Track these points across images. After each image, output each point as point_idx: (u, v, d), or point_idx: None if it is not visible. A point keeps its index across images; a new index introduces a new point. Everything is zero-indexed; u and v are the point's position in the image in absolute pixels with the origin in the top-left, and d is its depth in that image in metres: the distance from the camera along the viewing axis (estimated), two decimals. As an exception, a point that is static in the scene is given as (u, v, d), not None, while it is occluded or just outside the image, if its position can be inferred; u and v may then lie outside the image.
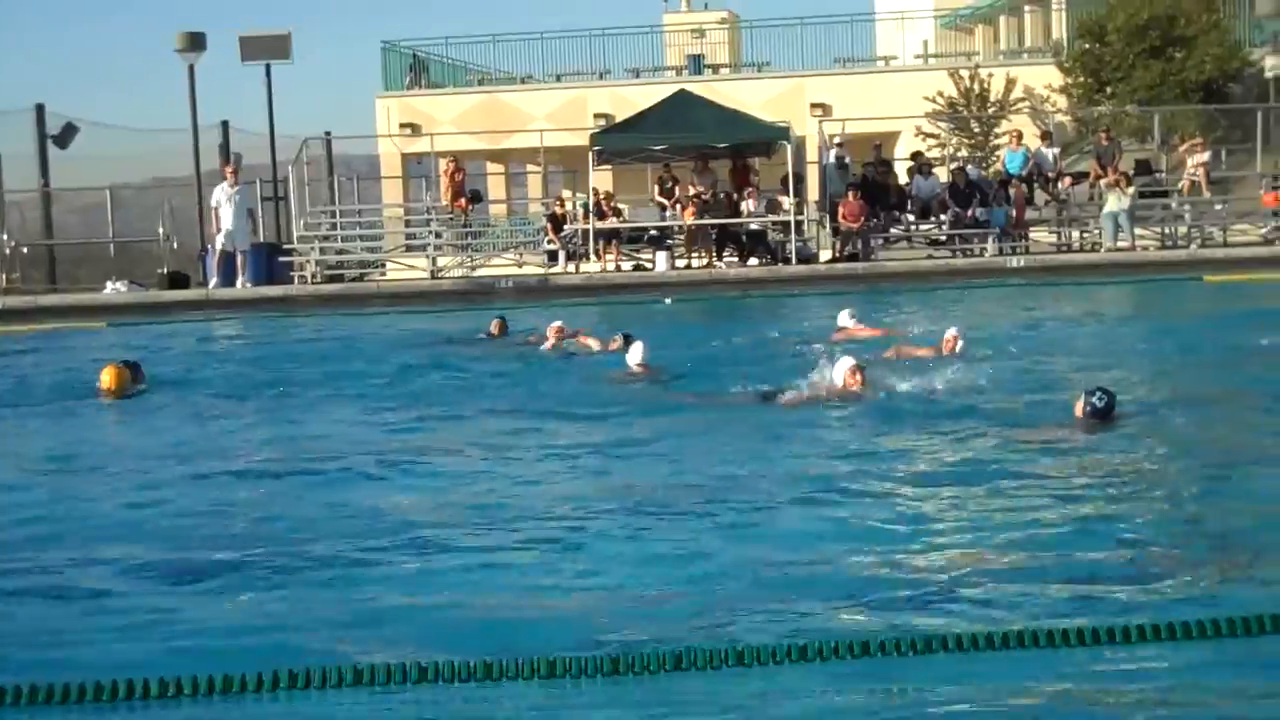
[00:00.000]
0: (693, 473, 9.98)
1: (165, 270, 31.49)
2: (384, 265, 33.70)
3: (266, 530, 8.65)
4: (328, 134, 38.74)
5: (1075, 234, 31.84)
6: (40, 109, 35.44)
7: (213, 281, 29.82)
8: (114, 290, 30.20)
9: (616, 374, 15.35)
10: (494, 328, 19.92)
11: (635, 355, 15.60)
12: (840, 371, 12.58)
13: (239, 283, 29.57)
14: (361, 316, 25.90)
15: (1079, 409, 10.84)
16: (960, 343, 15.31)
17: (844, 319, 18.64)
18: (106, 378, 15.01)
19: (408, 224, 34.86)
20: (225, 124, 37.53)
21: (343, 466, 10.75)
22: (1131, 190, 29.72)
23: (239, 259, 29.70)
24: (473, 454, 11.28)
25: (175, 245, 32.78)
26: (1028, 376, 14.20)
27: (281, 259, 31.07)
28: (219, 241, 29.80)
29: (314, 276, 30.97)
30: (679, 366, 15.82)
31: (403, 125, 41.16)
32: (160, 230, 32.71)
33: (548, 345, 18.39)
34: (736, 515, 8.53)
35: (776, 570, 7.31)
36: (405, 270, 32.56)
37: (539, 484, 9.96)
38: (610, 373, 15.46)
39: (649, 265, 30.65)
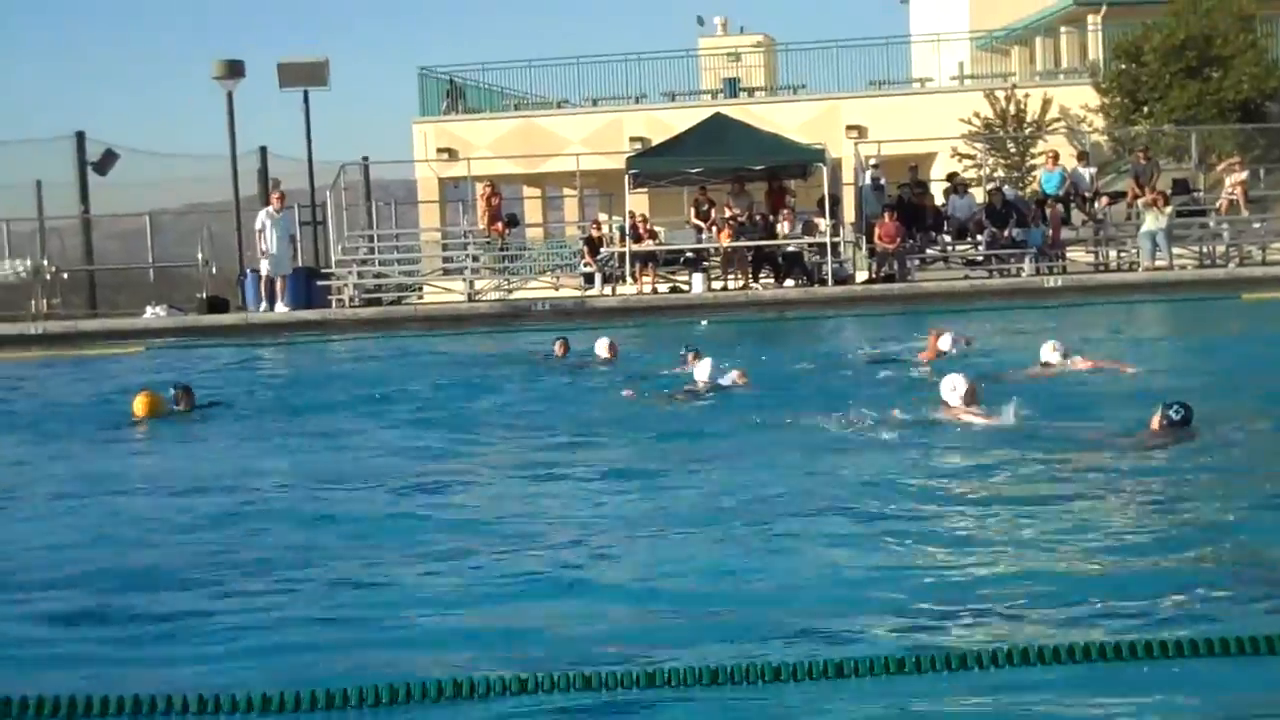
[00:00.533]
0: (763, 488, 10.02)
1: (204, 295, 31.66)
2: (421, 289, 33.81)
3: (305, 546, 8.69)
4: (365, 159, 38.90)
5: (1113, 253, 31.74)
6: (80, 136, 35.71)
7: (261, 305, 29.95)
8: (153, 315, 30.39)
9: (679, 393, 15.35)
10: (558, 348, 20.11)
11: (702, 372, 15.55)
12: (954, 392, 12.24)
13: (277, 307, 29.71)
14: (421, 338, 26.02)
15: (1156, 422, 10.83)
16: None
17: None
18: (139, 405, 15.10)
19: (444, 248, 34.98)
20: (263, 150, 37.70)
21: (403, 485, 10.82)
22: (1169, 209, 29.65)
23: (279, 283, 29.84)
24: (522, 472, 11.33)
25: (214, 270, 32.92)
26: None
27: (320, 283, 31.20)
28: (264, 266, 29.95)
29: (352, 300, 31.10)
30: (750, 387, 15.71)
31: (439, 150, 41.29)
32: (199, 255, 32.89)
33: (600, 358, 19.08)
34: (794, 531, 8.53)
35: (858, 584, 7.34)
36: (442, 294, 32.69)
37: (600, 503, 9.99)
38: (673, 392, 15.44)
39: (685, 287, 30.66)
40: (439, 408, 15.98)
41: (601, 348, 19.45)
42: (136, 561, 8.48)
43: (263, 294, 30.02)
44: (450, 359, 22.04)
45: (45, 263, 33.52)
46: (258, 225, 30.16)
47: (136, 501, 10.77)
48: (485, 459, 12.33)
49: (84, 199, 35.55)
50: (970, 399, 12.04)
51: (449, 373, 19.61)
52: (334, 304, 30.81)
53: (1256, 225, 31.67)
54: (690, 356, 17.08)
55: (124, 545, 9.12)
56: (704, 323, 26.41)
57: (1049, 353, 15.73)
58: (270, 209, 30.30)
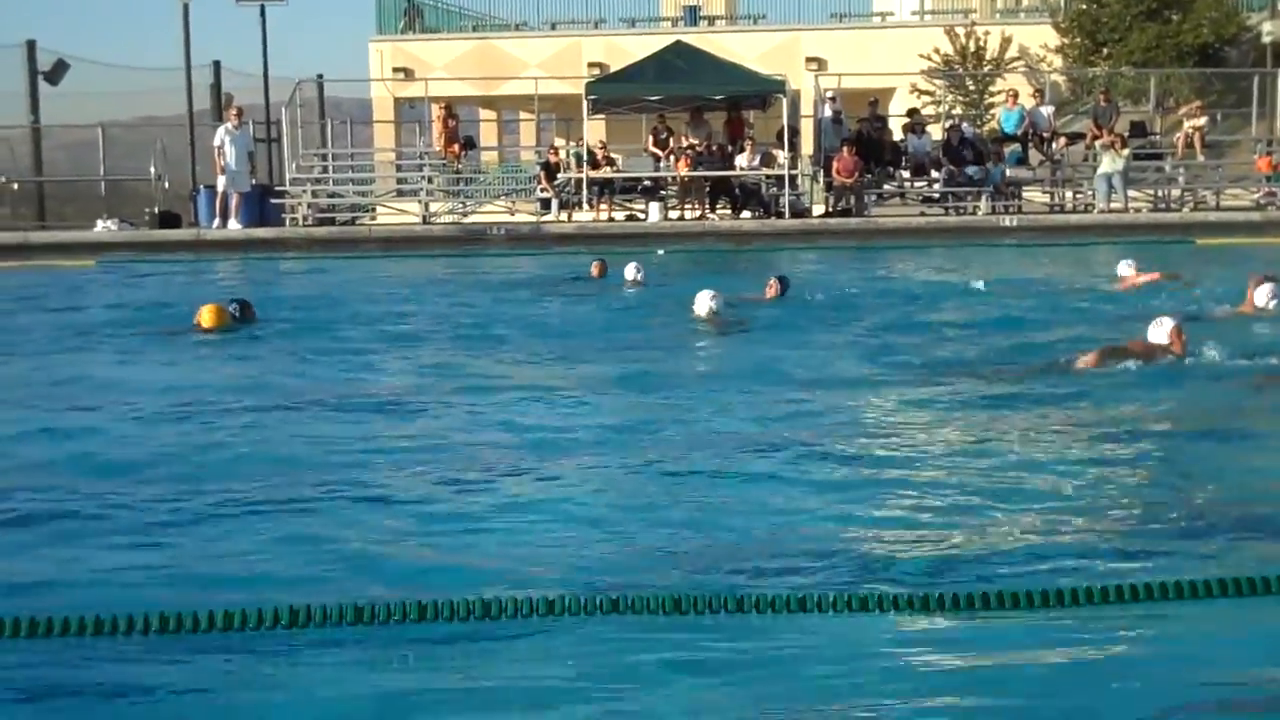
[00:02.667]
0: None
1: (156, 210, 31.34)
2: (374, 210, 33.60)
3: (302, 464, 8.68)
4: (320, 77, 38.59)
5: (1068, 194, 31.83)
6: (31, 45, 35.20)
7: (215, 222, 29.69)
8: (105, 228, 30.08)
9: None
10: (594, 269, 20.55)
11: (702, 305, 15.37)
12: (1162, 331, 11.79)
13: (231, 224, 29.48)
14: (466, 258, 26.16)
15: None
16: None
17: (1123, 269, 18.57)
18: (206, 316, 15.14)
19: (399, 169, 34.76)
20: (217, 64, 37.34)
21: (420, 403, 10.90)
22: (1126, 152, 29.74)
23: (234, 200, 29.58)
24: (522, 393, 11.33)
25: (166, 185, 32.59)
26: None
27: (274, 201, 30.96)
28: (221, 183, 29.69)
29: (305, 219, 30.87)
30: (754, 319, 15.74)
31: (396, 70, 40.95)
32: (152, 169, 32.55)
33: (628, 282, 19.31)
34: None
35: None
36: (396, 215, 32.50)
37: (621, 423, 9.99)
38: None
39: (642, 215, 30.58)
40: (464, 328, 16.01)
41: (629, 271, 19.71)
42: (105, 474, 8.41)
43: (217, 210, 29.72)
44: (475, 280, 22.06)
45: (-6, 172, 33.15)
46: (216, 141, 29.87)
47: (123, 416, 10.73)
48: (497, 376, 12.40)
49: (34, 109, 35.09)
50: (1176, 337, 11.86)
51: (469, 294, 19.79)
52: (288, 222, 30.57)
53: (1212, 170, 31.80)
54: (773, 283, 17.12)
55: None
56: (660, 252, 26.33)
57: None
58: (229, 125, 30.03)
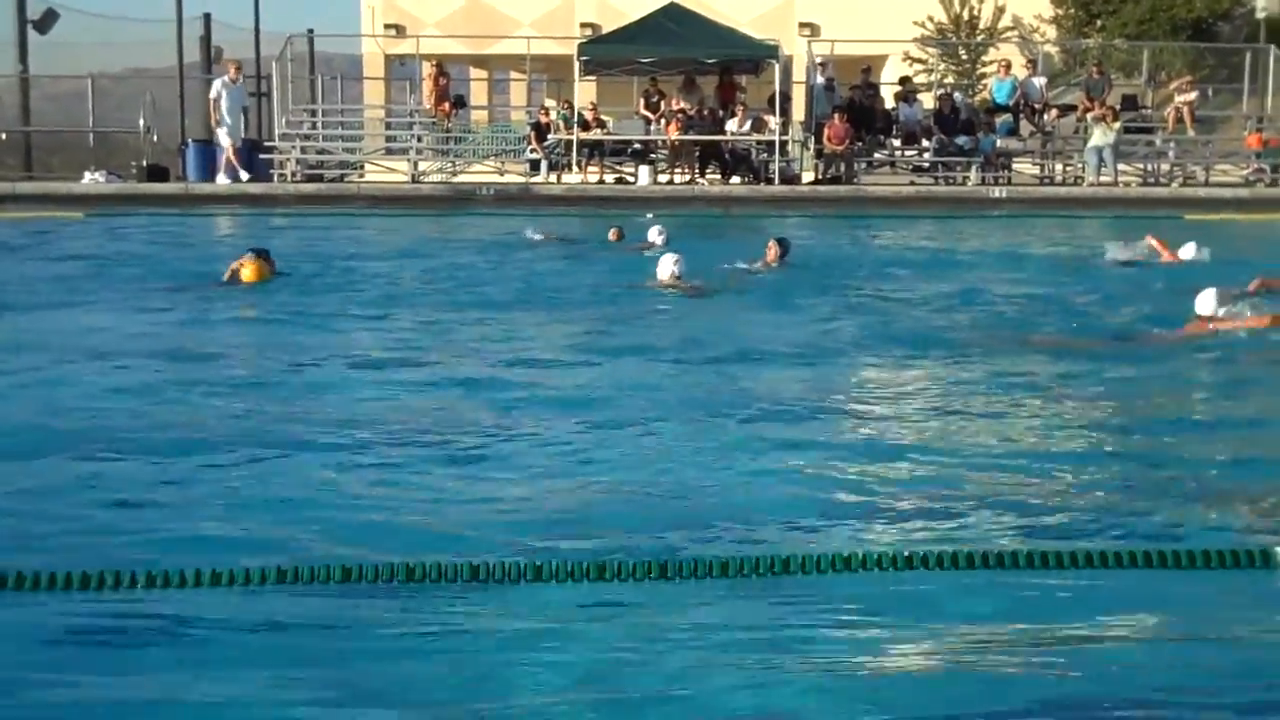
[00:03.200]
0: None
1: (145, 162, 31.22)
2: (363, 167, 33.50)
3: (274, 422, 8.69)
4: (310, 31, 38.38)
5: (1059, 166, 31.82)
6: (21, -8, 35.03)
7: (219, 177, 29.66)
8: (92, 180, 29.97)
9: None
10: (612, 235, 20.78)
11: (664, 270, 15.35)
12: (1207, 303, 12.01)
13: (220, 177, 29.43)
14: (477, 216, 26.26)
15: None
16: None
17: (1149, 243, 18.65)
18: (248, 270, 15.20)
19: (389, 126, 34.65)
20: (208, 16, 37.17)
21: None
22: (1117, 125, 29.72)
23: (229, 153, 29.56)
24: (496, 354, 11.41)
25: (155, 138, 32.45)
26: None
27: (262, 156, 30.86)
28: (221, 136, 29.61)
29: (294, 175, 30.78)
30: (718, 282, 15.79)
31: (387, 26, 40.71)
32: (140, 122, 32.41)
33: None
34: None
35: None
36: (385, 173, 32.41)
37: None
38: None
39: (631, 179, 30.53)
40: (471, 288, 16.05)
41: (653, 234, 19.87)
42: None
43: (221, 165, 29.65)
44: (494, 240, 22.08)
45: (-18, 122, 32.99)
46: (213, 94, 29.82)
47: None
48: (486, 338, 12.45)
49: (23, 58, 34.92)
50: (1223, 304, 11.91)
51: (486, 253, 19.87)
52: (276, 178, 30.48)
53: (1201, 146, 31.82)
54: (772, 245, 17.17)
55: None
56: (650, 215, 26.29)
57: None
58: (226, 79, 29.98)
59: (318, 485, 7.31)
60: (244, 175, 29.52)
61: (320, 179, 31.48)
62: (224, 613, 5.34)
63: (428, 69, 33.22)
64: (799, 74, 33.14)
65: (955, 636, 5.24)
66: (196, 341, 12.02)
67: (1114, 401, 9.86)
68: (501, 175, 31.71)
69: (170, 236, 22.80)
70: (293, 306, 14.21)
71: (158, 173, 30.75)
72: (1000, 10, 37.09)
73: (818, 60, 32.36)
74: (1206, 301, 11.96)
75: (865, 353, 11.73)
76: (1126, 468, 7.89)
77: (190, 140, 31.17)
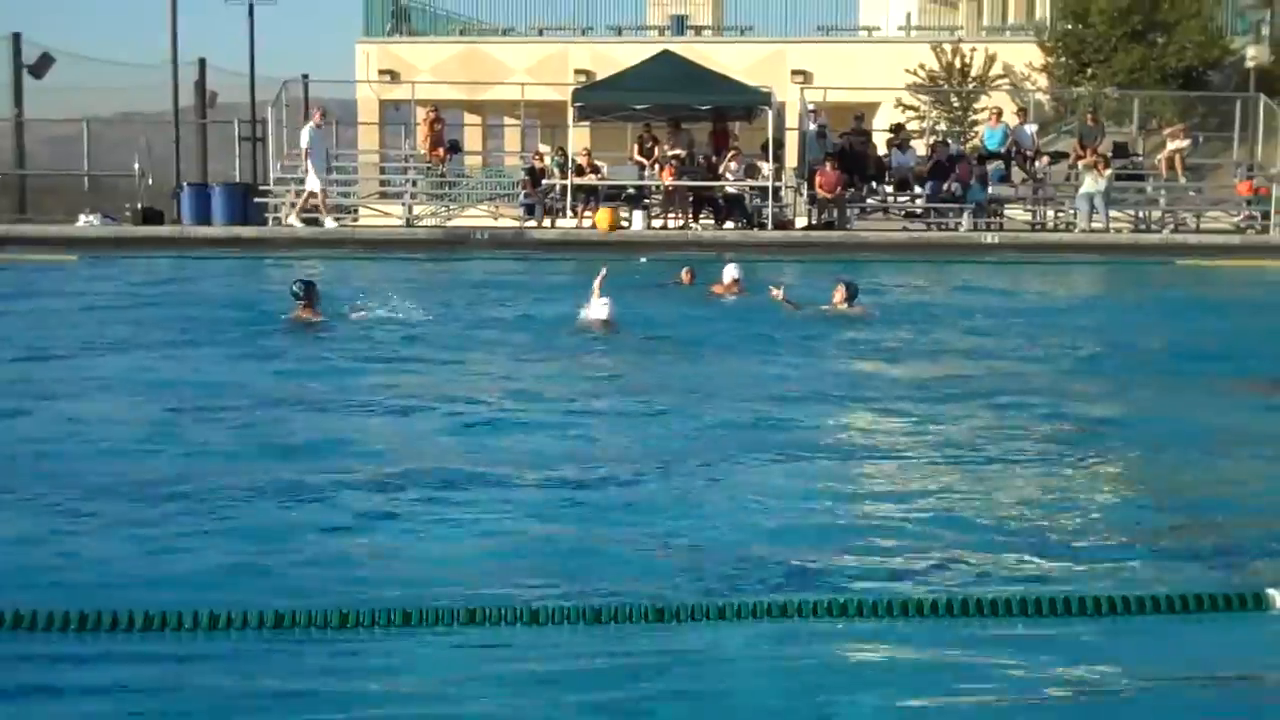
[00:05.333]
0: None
1: (140, 205, 31.28)
2: (357, 211, 33.56)
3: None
4: (306, 77, 38.51)
5: (1050, 213, 31.96)
6: (16, 38, 35.21)
7: (292, 218, 30.10)
8: (87, 223, 30.03)
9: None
10: (684, 276, 20.65)
11: (599, 311, 15.38)
12: None
13: (328, 222, 30.06)
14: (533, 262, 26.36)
15: None
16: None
17: None
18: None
19: (383, 170, 34.76)
20: (202, 61, 37.31)
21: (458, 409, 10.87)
22: (1109, 172, 29.89)
23: (320, 199, 30.16)
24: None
25: (150, 181, 32.52)
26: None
27: (257, 200, 30.94)
28: (312, 182, 29.96)
29: (288, 218, 30.85)
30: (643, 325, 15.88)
31: (382, 72, 40.92)
32: (135, 165, 32.49)
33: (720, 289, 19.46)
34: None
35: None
36: (379, 217, 32.47)
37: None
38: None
39: (625, 223, 30.61)
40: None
41: (730, 272, 19.78)
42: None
43: (300, 207, 30.15)
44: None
45: (-22, 165, 33.06)
46: (304, 143, 30.10)
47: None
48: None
49: (18, 102, 35.05)
50: None
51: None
52: (271, 221, 30.56)
53: (1193, 193, 31.97)
54: (840, 289, 17.23)
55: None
56: (643, 260, 26.38)
57: None
58: (313, 125, 30.15)
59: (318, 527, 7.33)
60: (330, 222, 29.98)
61: (315, 223, 31.50)
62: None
63: (423, 114, 33.33)
64: (792, 120, 33.28)
65: (937, 684, 5.28)
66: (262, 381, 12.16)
67: (1110, 443, 9.90)
68: (496, 220, 31.79)
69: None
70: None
71: (152, 216, 30.81)
72: (991, 59, 37.29)
73: (810, 107, 32.53)
74: None
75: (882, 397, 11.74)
76: (1125, 511, 7.93)
77: (185, 183, 31.25)
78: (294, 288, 15.73)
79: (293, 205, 31.11)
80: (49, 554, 6.78)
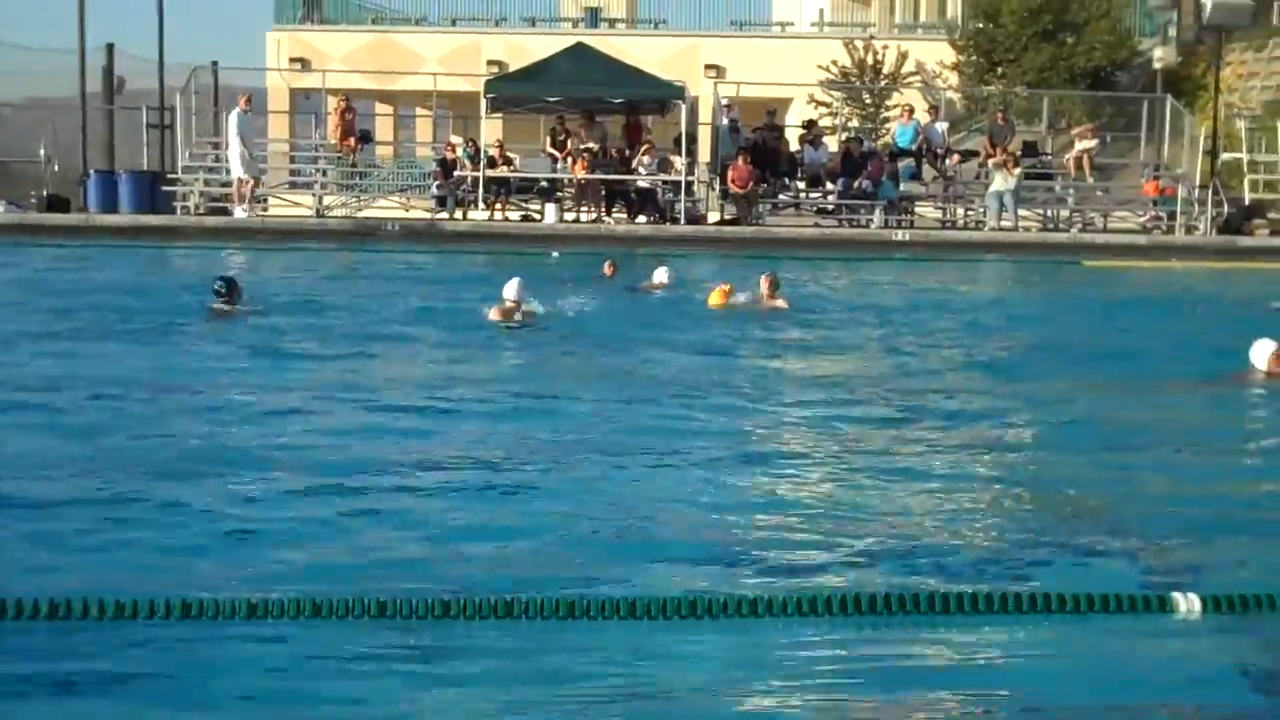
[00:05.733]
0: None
1: (46, 193, 30.86)
2: (266, 200, 33.26)
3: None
4: (215, 64, 38.08)
5: (960, 211, 32.18)
6: (-80, 20, 34.58)
7: (237, 209, 29.60)
8: (-9, 210, 29.60)
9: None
10: (606, 269, 20.76)
11: (510, 290, 15.45)
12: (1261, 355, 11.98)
13: (236, 210, 29.53)
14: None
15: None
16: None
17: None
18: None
19: (293, 160, 34.48)
20: (111, 47, 36.76)
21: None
22: (1018, 171, 30.14)
23: (249, 185, 29.77)
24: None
25: (56, 168, 32.08)
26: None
27: (164, 188, 30.56)
28: (236, 168, 29.52)
29: (197, 208, 30.54)
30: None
31: (293, 60, 40.58)
32: (42, 152, 32.04)
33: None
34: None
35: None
36: (289, 206, 32.21)
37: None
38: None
39: (537, 216, 30.55)
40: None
41: (660, 275, 19.89)
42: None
43: (235, 196, 29.69)
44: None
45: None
46: (233, 128, 29.58)
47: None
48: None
49: (-78, 86, 34.45)
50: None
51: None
52: (179, 210, 30.22)
53: (1100, 193, 32.30)
54: (766, 281, 17.33)
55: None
56: (555, 254, 26.35)
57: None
58: (239, 110, 29.72)
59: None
60: (239, 212, 29.50)
61: (224, 212, 31.19)
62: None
63: (334, 103, 33.10)
64: (705, 115, 33.33)
65: (844, 680, 5.29)
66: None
67: (1018, 442, 9.99)
68: (407, 211, 31.64)
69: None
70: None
71: (59, 203, 30.39)
72: (903, 56, 37.50)
73: (723, 102, 32.58)
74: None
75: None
76: (1037, 511, 7.99)
77: (92, 171, 30.83)
78: (215, 285, 15.59)
79: (201, 194, 30.82)
80: None
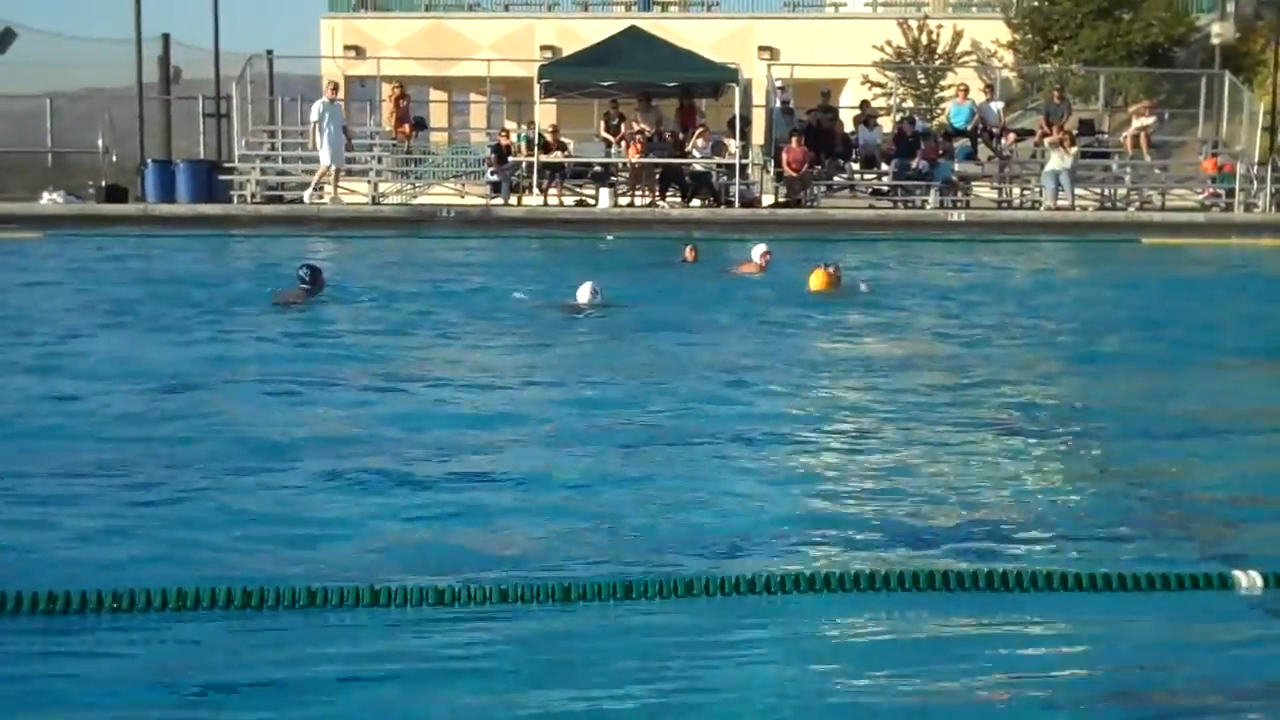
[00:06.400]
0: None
1: (104, 183, 31.09)
2: (323, 188, 33.39)
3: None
4: (270, 52, 38.31)
5: (1016, 190, 32.02)
6: (-21, 12, 34.89)
7: (307, 194, 29.78)
8: (50, 201, 29.82)
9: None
10: (688, 253, 20.46)
11: (583, 295, 15.41)
12: None
13: (306, 195, 29.75)
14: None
15: None
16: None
17: None
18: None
19: (349, 147, 34.56)
20: (167, 37, 37.01)
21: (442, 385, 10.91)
22: (1075, 150, 29.95)
23: (335, 173, 29.95)
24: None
25: (114, 158, 32.33)
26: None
27: (221, 177, 30.76)
28: (325, 157, 29.59)
29: (253, 196, 30.71)
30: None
31: (347, 47, 40.79)
32: (99, 142, 32.29)
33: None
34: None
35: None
36: (345, 194, 32.32)
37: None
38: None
39: (591, 201, 30.57)
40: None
41: (756, 253, 19.47)
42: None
43: (314, 183, 29.83)
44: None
45: (-60, 141, 32.80)
46: (314, 116, 29.71)
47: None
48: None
49: (-20, 77, 34.78)
50: None
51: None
52: (235, 199, 30.40)
53: (1158, 170, 32.07)
54: (832, 268, 17.14)
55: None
56: (609, 238, 26.38)
57: None
58: (324, 99, 29.87)
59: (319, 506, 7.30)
60: (323, 199, 29.71)
61: (280, 200, 31.38)
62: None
63: (388, 90, 33.20)
64: (759, 98, 33.26)
65: (910, 657, 5.28)
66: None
67: (1080, 423, 9.93)
68: (462, 197, 31.70)
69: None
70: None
71: (116, 193, 30.61)
72: (958, 35, 37.36)
73: (777, 84, 32.49)
74: None
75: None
76: (1098, 490, 7.95)
77: (149, 160, 31.04)
78: (300, 271, 15.68)
79: (257, 183, 30.99)
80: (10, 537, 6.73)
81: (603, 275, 17.46)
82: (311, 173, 32.87)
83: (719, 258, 20.61)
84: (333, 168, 29.73)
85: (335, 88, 31.01)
